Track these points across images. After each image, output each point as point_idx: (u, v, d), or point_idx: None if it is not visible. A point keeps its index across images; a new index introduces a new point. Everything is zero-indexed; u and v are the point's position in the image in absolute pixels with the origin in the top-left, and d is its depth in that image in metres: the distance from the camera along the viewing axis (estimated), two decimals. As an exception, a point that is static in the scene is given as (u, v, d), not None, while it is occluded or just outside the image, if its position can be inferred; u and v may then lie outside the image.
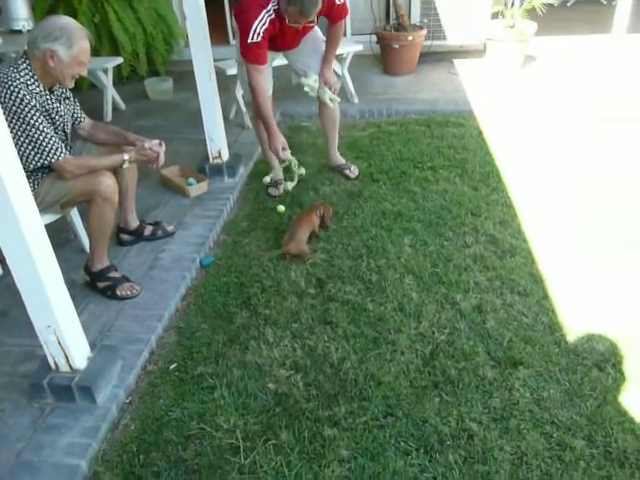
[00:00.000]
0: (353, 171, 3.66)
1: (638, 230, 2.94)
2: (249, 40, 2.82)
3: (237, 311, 2.52)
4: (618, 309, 2.43)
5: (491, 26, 5.36)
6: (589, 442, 1.86)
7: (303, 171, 3.29)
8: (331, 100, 3.37)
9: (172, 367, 2.24)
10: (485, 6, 5.52)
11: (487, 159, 3.77)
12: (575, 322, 2.35)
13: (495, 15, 5.46)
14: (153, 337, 2.35)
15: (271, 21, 2.83)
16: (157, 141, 2.59)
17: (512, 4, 5.48)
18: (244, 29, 2.83)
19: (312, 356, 2.24)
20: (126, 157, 2.49)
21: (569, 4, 7.77)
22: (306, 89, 3.34)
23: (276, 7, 2.82)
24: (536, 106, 4.60)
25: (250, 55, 2.91)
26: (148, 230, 2.99)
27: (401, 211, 3.19)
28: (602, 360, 2.16)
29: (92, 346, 2.13)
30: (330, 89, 3.35)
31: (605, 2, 7.55)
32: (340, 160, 3.73)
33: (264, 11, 2.80)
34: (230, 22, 6.48)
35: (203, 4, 3.12)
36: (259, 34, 2.82)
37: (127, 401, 2.11)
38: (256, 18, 2.79)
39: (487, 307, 2.45)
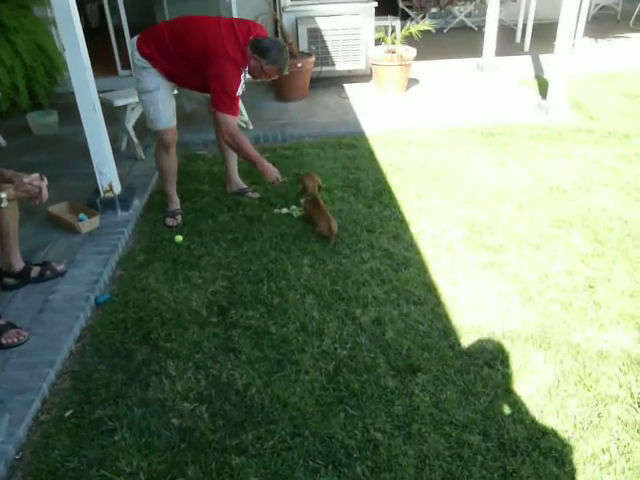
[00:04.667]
0: (254, 194, 3.75)
1: (516, 233, 3.20)
2: (238, 93, 3.08)
3: (136, 347, 2.43)
4: (502, 308, 2.61)
5: (375, 52, 5.66)
6: (485, 437, 1.97)
7: None
8: (243, 121, 3.51)
9: (67, 414, 2.11)
10: (368, 33, 5.82)
11: (379, 177, 3.95)
12: (466, 325, 2.50)
13: (378, 41, 5.78)
14: (45, 385, 2.21)
15: (243, 76, 3.14)
16: (37, 175, 2.46)
17: (392, 31, 5.83)
18: (232, 87, 3.03)
19: (217, 385, 2.21)
20: (3, 195, 2.35)
21: (445, 31, 8.38)
22: None
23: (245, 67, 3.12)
24: (420, 124, 4.89)
25: (236, 108, 3.15)
26: (35, 271, 2.82)
27: (299, 233, 3.25)
28: (491, 358, 2.31)
29: (-27, 402, 1.96)
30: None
31: (476, 29, 8.21)
32: (242, 184, 3.81)
33: (243, 70, 3.10)
34: (118, 53, 6.34)
35: (82, 34, 3.03)
36: (243, 87, 3.12)
37: (17, 457, 1.96)
38: (240, 75, 3.06)
39: (385, 319, 2.54)
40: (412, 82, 5.95)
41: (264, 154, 4.37)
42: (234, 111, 3.14)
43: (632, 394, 2.13)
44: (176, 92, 3.46)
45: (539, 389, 2.17)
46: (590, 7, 7.94)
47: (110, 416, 2.08)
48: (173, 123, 3.31)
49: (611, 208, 3.44)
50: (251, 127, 4.88)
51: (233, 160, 3.77)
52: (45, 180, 2.50)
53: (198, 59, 3.05)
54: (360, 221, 3.36)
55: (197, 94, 3.46)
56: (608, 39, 7.40)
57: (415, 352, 2.35)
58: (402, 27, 5.84)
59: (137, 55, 3.10)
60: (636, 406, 2.08)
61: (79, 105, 3.17)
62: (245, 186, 3.80)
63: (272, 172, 3.28)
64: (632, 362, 2.27)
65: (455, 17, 8.50)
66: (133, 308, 2.68)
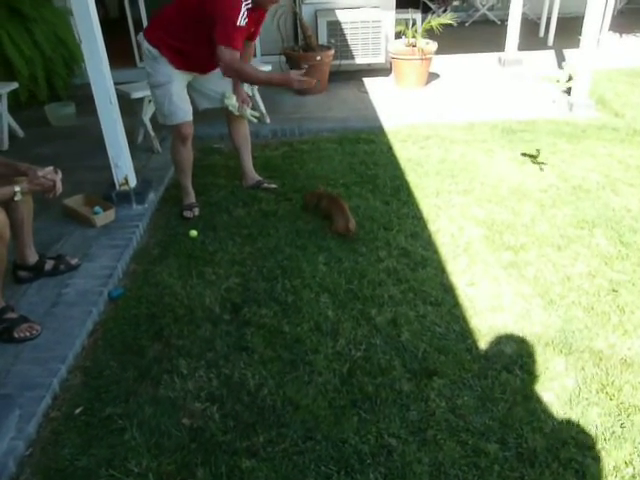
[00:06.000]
0: (270, 184, 3.72)
1: (537, 233, 3.11)
2: (238, 23, 2.83)
3: (148, 344, 2.40)
4: (521, 311, 2.54)
5: (395, 45, 5.56)
6: (502, 445, 1.91)
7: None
8: (253, 116, 3.48)
9: (78, 411, 2.09)
10: (389, 27, 5.72)
11: (397, 174, 3.87)
12: (484, 327, 2.44)
13: (398, 35, 5.68)
14: (56, 380, 2.19)
15: (248, 10, 2.87)
16: (51, 168, 2.44)
17: (413, 24, 5.72)
18: (233, 13, 2.81)
19: (228, 385, 2.17)
20: (17, 188, 2.33)
21: (467, 24, 8.24)
22: (230, 109, 3.42)
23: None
24: (440, 120, 4.80)
25: (236, 40, 2.88)
26: (49, 265, 2.81)
27: (315, 229, 3.20)
28: (510, 362, 2.24)
29: (-16, 397, 1.95)
30: (247, 106, 3.49)
31: (499, 22, 8.06)
32: (257, 176, 3.77)
33: (244, 1, 2.85)
34: (137, 45, 6.33)
35: (98, 25, 3.00)
36: (245, 18, 2.86)
37: (27, 453, 1.94)
38: (241, 3, 2.82)
39: (401, 320, 2.48)
40: (432, 76, 5.85)
41: (281, 148, 4.38)
42: (233, 43, 2.90)
43: (657, 404, 2.05)
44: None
45: (559, 396, 2.09)
46: (617, 1, 7.74)
47: (120, 414, 2.06)
48: (190, 116, 3.26)
49: (636, 209, 3.33)
50: (268, 121, 4.84)
51: (247, 154, 3.72)
52: (59, 173, 2.48)
53: (203, 11, 2.91)
54: (377, 218, 3.30)
55: (210, 92, 3.39)
56: (634, 34, 7.20)
57: (431, 355, 2.29)
58: (423, 20, 5.73)
59: (146, 44, 3.07)
60: (662, 417, 2.00)
61: (95, 97, 3.15)
62: (261, 178, 3.76)
63: (290, 79, 3.13)
64: (658, 371, 2.19)
65: (477, 10, 8.36)
66: (146, 304, 2.66)
